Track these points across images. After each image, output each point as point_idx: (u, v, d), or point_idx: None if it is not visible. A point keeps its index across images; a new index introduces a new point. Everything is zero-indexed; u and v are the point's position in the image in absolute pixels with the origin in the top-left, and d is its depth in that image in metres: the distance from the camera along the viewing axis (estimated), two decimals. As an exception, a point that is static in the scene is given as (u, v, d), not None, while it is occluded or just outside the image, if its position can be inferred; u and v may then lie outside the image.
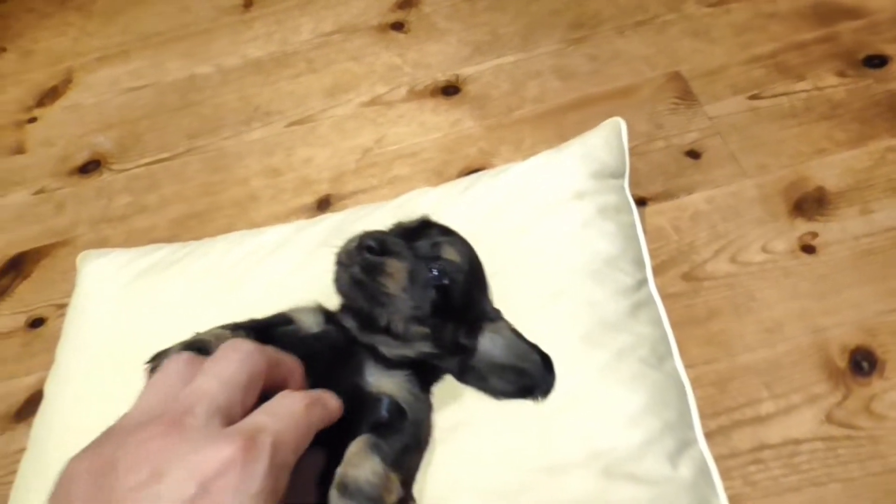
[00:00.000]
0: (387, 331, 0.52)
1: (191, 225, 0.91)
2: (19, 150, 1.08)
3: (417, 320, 0.52)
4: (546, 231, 0.63)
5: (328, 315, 0.56)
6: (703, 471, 0.53)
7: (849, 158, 0.78)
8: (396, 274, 0.51)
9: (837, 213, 0.74)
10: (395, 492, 0.45)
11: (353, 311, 0.54)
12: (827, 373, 0.64)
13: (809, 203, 0.76)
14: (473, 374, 0.56)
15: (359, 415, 0.48)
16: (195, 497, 0.34)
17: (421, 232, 0.57)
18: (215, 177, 0.96)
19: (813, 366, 0.65)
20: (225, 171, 0.96)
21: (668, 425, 0.54)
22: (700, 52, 0.93)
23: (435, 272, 0.53)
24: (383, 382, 0.51)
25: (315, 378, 0.47)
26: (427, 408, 0.54)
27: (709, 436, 0.61)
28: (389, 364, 0.53)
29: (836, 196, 0.76)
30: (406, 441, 0.49)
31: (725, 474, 0.59)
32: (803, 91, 0.86)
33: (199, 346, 0.47)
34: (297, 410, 0.41)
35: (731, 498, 0.57)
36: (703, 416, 0.62)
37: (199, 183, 0.96)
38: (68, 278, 0.88)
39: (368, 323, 0.52)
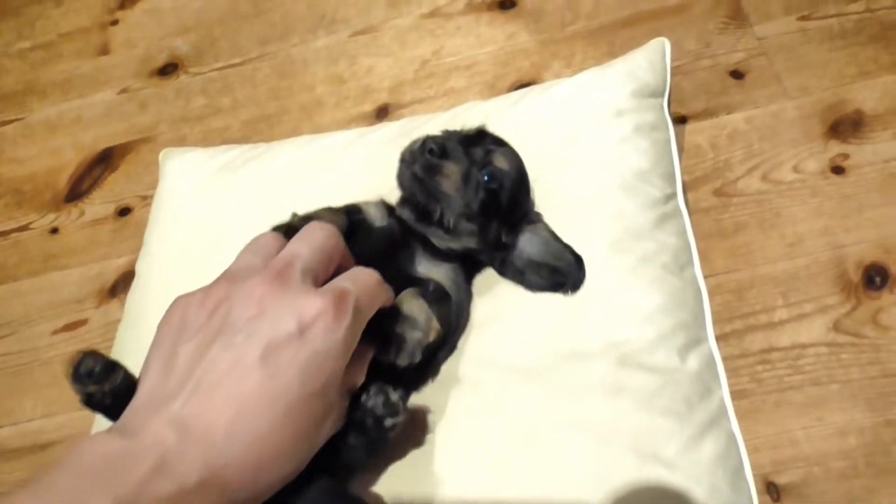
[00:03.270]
0: (439, 224, 0.59)
1: (261, 127, 0.98)
2: (104, 51, 1.16)
3: (466, 217, 0.59)
4: (586, 145, 0.68)
5: (390, 209, 0.63)
6: (710, 365, 0.60)
7: (891, 82, 0.80)
8: (452, 175, 0.58)
9: (872, 136, 0.77)
10: (435, 332, 0.53)
11: (410, 203, 0.61)
12: (840, 286, 0.69)
13: (845, 125, 0.79)
14: (512, 269, 0.62)
15: None
16: (293, 333, 0.42)
17: (477, 140, 0.63)
18: (283, 82, 1.02)
19: (828, 279, 0.70)
20: (292, 78, 1.03)
21: (681, 324, 0.60)
22: (756, -31, 0.94)
23: (486, 177, 0.59)
24: (432, 271, 0.59)
25: (375, 265, 0.54)
26: (468, 297, 0.62)
27: (723, 337, 0.68)
28: (438, 256, 0.60)
29: (873, 119, 0.78)
30: (445, 318, 0.57)
31: (734, 372, 0.66)
32: (855, 13, 0.87)
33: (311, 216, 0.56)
34: (371, 282, 0.49)
35: (737, 392, 0.64)
36: (719, 321, 0.68)
37: (269, 88, 1.03)
38: (151, 172, 0.97)
39: (423, 215, 0.60)
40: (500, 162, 0.61)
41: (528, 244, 0.62)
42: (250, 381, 0.41)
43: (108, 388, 0.45)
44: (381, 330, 0.50)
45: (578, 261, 0.61)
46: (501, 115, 0.73)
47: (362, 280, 0.48)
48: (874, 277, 0.69)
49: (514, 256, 0.62)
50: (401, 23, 1.04)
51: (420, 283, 0.58)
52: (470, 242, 0.61)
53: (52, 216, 0.99)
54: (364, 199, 0.64)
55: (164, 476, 0.37)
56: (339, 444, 0.50)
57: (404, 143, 0.74)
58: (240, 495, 0.40)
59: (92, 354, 0.46)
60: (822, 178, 0.76)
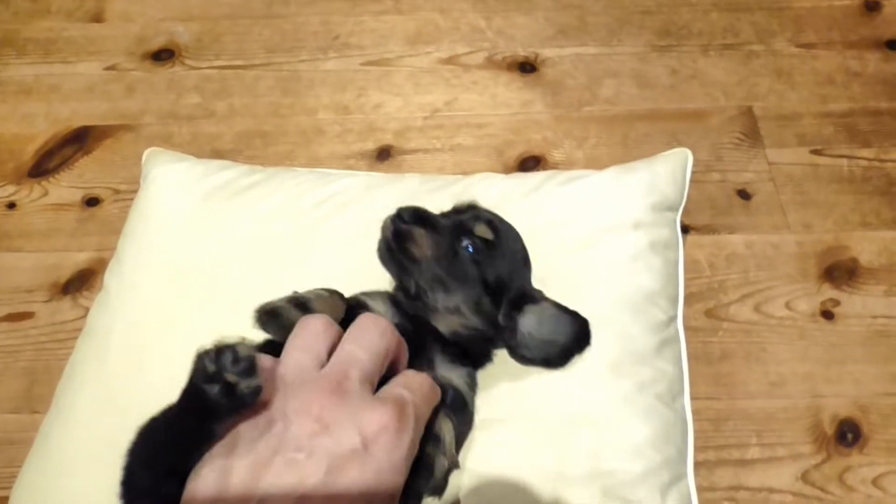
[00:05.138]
0: (417, 298, 0.57)
1: (255, 143, 0.94)
2: (97, 17, 1.10)
3: (444, 288, 0.57)
4: (598, 255, 0.67)
5: (394, 300, 0.59)
6: (687, 505, 0.60)
7: (890, 239, 0.82)
8: (421, 240, 0.56)
9: (864, 287, 0.79)
10: (452, 460, 0.51)
11: (399, 284, 0.58)
12: (814, 436, 0.70)
13: (841, 272, 0.80)
14: (518, 352, 0.59)
15: None
16: (358, 450, 0.41)
17: (464, 211, 0.61)
18: (285, 99, 0.98)
19: (803, 426, 0.71)
20: (295, 96, 0.99)
21: (667, 460, 0.59)
22: (777, 94, 0.95)
23: (468, 248, 0.57)
24: (452, 375, 0.56)
25: None
26: (474, 397, 0.59)
27: (695, 467, 0.67)
28: (455, 358, 0.57)
29: (867, 272, 0.80)
30: (461, 429, 0.55)
31: (702, 505, 0.66)
32: (865, 159, 0.88)
33: (304, 303, 0.52)
34: (426, 389, 0.48)
35: (702, 528, 0.64)
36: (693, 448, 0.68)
37: (269, 101, 0.98)
38: (128, 165, 0.92)
39: (407, 292, 0.57)
40: (482, 231, 0.58)
41: (533, 324, 0.59)
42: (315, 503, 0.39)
43: (240, 387, 0.40)
44: None
45: (583, 327, 0.59)
46: (517, 200, 0.72)
47: (418, 386, 0.47)
48: (846, 433, 0.70)
49: (519, 339, 0.58)
50: (416, 62, 1.01)
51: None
52: (463, 321, 0.58)
53: (11, 189, 0.92)
54: (365, 291, 0.60)
55: None
56: None
57: (418, 199, 0.72)
58: None
59: (246, 345, 0.41)
60: (811, 320, 0.77)
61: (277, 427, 0.41)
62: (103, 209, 0.90)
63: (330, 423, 0.41)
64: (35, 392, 0.76)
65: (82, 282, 0.83)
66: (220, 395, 0.39)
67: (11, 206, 0.91)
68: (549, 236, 0.68)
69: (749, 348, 0.75)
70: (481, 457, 0.58)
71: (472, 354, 0.60)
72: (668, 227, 0.71)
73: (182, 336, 0.63)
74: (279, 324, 0.51)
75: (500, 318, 0.59)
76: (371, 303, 0.58)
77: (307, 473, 0.39)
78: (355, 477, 0.40)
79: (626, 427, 0.59)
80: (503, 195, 0.72)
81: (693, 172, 0.86)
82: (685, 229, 0.83)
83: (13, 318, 0.82)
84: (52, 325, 0.81)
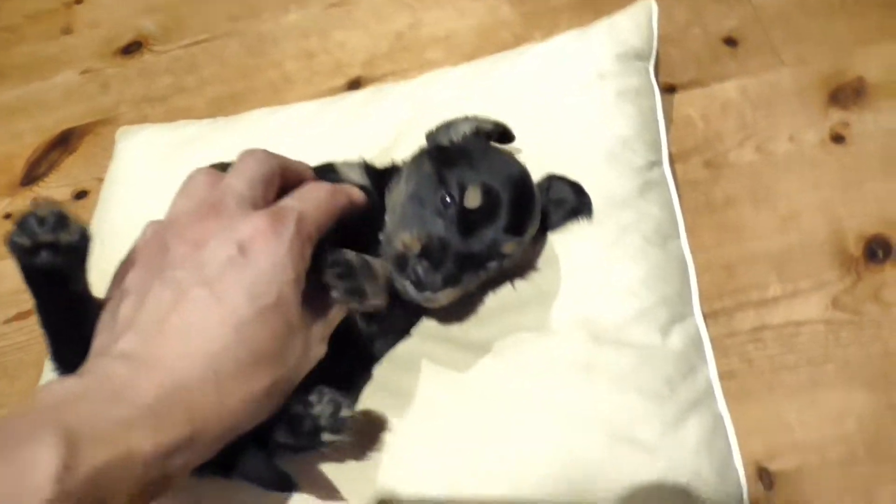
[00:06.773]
0: None
1: (226, 105, 0.93)
2: (67, 30, 1.11)
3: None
4: (566, 111, 0.63)
5: (372, 171, 0.58)
6: (695, 342, 0.55)
7: None
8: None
9: (874, 105, 0.72)
10: (379, 300, 0.48)
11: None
12: (839, 260, 0.64)
13: (847, 93, 0.73)
14: None
15: None
16: (235, 257, 0.41)
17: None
18: (252, 60, 0.97)
19: (825, 254, 0.64)
20: (261, 55, 0.97)
21: (664, 299, 0.55)
22: (750, -64, 0.88)
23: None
24: None
25: (348, 224, 0.49)
26: None
27: (711, 315, 0.62)
28: None
29: (876, 88, 0.73)
30: None
31: (723, 352, 0.60)
32: (857, -24, 0.81)
33: None
34: (320, 195, 0.47)
35: (726, 373, 0.58)
36: (707, 298, 0.62)
37: (237, 65, 0.97)
38: (109, 155, 0.91)
39: None
40: (510, 248, 0.51)
41: None
42: (196, 308, 0.39)
43: (64, 241, 0.38)
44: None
45: (577, 186, 0.58)
46: (476, 85, 0.68)
47: (310, 195, 0.46)
48: (876, 251, 0.64)
49: None
50: (376, -4, 0.99)
51: None
52: None
53: (6, 201, 0.94)
54: (341, 160, 0.58)
55: (118, 403, 0.36)
56: (269, 433, 0.46)
57: (372, 109, 0.70)
58: (210, 416, 0.39)
59: (48, 203, 0.40)
60: (820, 148, 0.70)
61: (157, 258, 0.42)
62: (91, 199, 0.90)
63: (205, 239, 0.41)
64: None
65: (79, 270, 0.83)
66: (51, 258, 0.38)
67: (7, 216, 0.92)
68: (513, 108, 0.64)
69: (755, 189, 0.69)
70: (443, 328, 0.55)
71: None
72: (639, 76, 0.67)
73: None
74: None
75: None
76: (344, 169, 0.57)
77: (186, 286, 0.40)
78: (236, 279, 0.40)
79: (612, 270, 0.55)
80: (461, 84, 0.69)
81: (671, 31, 0.82)
82: (672, 89, 0.78)
83: (21, 316, 0.82)
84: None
